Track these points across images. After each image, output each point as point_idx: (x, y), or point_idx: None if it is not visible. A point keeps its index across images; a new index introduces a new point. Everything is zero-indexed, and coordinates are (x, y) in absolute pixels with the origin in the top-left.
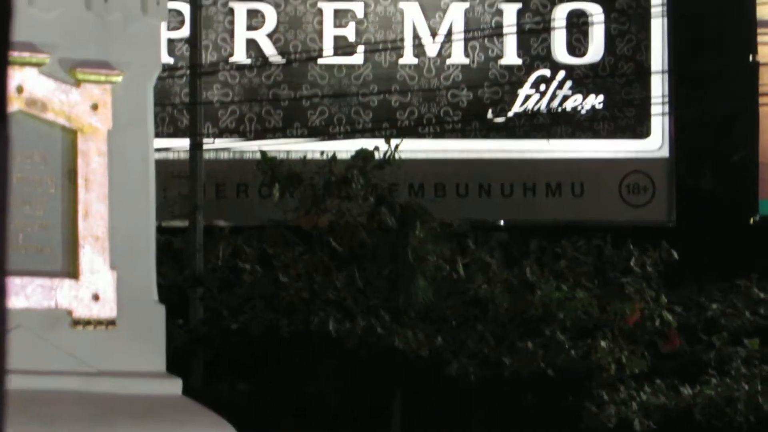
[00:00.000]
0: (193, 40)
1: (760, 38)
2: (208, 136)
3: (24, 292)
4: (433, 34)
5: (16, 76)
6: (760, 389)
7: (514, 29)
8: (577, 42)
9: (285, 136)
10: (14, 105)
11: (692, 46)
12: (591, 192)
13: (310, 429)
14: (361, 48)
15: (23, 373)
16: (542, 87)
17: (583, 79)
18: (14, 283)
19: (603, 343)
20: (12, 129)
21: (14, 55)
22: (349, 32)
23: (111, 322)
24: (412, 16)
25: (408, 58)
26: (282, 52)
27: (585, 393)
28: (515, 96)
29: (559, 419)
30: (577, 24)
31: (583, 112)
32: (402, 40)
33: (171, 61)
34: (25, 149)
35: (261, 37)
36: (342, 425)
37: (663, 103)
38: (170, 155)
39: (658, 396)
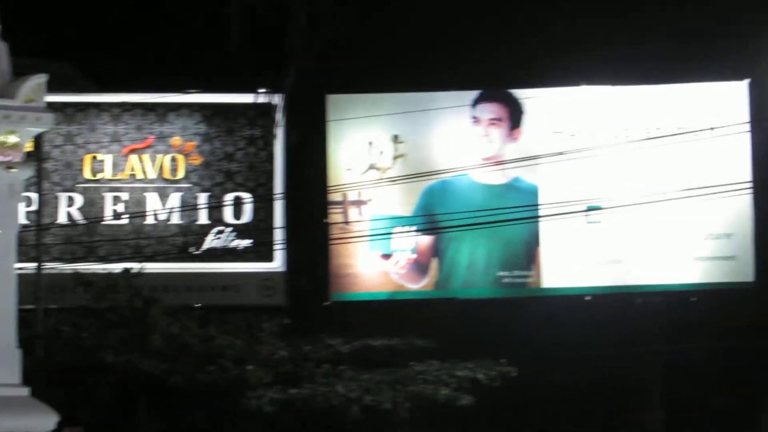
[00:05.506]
0: (38, 220)
1: (331, 210)
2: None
3: None
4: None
5: None
6: (328, 390)
7: (206, 209)
8: (237, 211)
9: (86, 262)
10: None
11: (299, 217)
12: (245, 289)
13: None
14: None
15: None
16: (219, 236)
17: (240, 232)
18: None
19: (250, 367)
20: None
21: None
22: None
23: None
24: (152, 199)
25: (150, 220)
26: (86, 218)
27: (243, 392)
28: (205, 239)
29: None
30: (239, 203)
31: (241, 248)
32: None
33: (27, 222)
34: None
35: (74, 210)
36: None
37: (282, 244)
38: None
39: (278, 393)
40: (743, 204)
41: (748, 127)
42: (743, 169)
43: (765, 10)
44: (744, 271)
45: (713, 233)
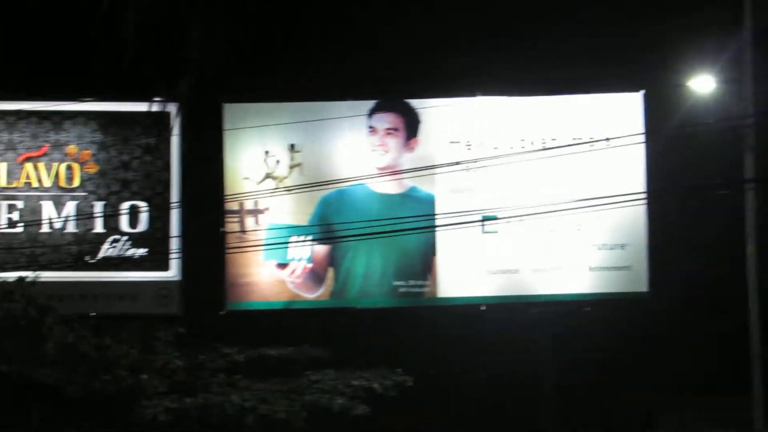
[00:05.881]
0: None
1: (227, 219)
2: None
3: None
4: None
5: None
6: (223, 399)
7: (101, 218)
8: (133, 220)
9: None
10: None
11: (196, 226)
12: (141, 298)
13: None
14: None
15: None
16: (115, 244)
17: (136, 241)
18: None
19: (145, 376)
20: None
21: None
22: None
23: None
24: (48, 208)
25: (45, 229)
26: None
27: (138, 401)
28: (100, 248)
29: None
30: (135, 212)
31: (136, 256)
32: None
33: None
34: None
35: None
36: None
37: (178, 253)
38: None
39: (173, 403)
40: (637, 215)
41: (642, 138)
42: (637, 180)
43: (658, 22)
44: (638, 281)
45: (608, 244)
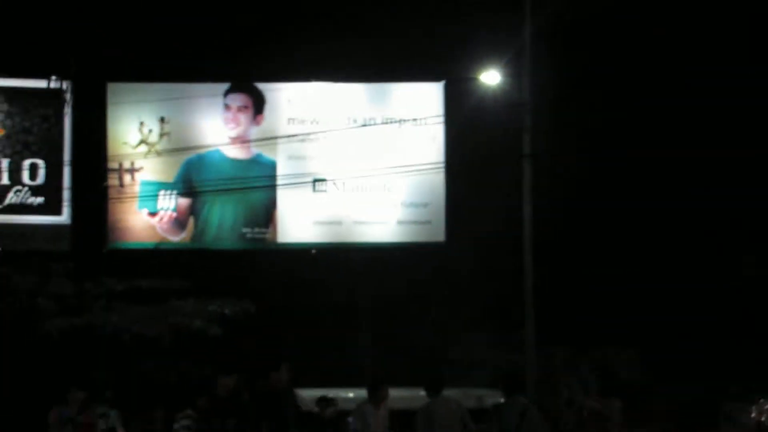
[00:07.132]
0: None
1: (109, 176)
2: None
3: None
4: None
5: None
6: (104, 320)
7: (7, 173)
8: (33, 175)
9: None
10: None
11: (84, 180)
12: (38, 238)
13: None
14: None
15: None
16: (18, 194)
17: (35, 191)
18: None
19: (41, 299)
20: None
21: None
22: None
23: None
24: None
25: None
26: None
27: (35, 319)
28: (6, 196)
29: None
30: (34, 168)
31: (36, 204)
32: None
33: None
34: None
35: None
36: None
37: (69, 202)
38: None
39: (63, 322)
40: (438, 180)
41: (442, 119)
42: (438, 153)
43: (459, 23)
44: (437, 233)
45: (414, 202)
